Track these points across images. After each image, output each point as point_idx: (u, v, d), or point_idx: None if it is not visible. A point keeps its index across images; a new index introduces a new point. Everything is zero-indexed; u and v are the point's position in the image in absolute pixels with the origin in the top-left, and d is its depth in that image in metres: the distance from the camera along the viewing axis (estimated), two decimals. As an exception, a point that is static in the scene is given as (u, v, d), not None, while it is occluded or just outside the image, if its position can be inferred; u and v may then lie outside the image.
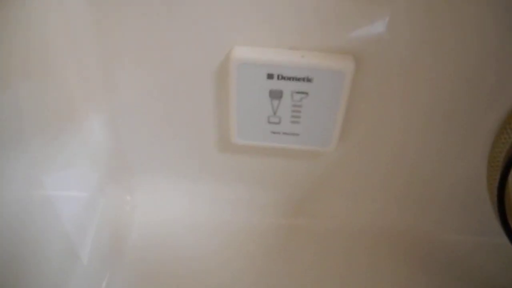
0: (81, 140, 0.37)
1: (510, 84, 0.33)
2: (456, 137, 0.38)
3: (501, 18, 0.29)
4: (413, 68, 0.33)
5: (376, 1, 0.29)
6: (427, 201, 0.44)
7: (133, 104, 0.38)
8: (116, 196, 0.45)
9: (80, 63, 0.34)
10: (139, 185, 0.45)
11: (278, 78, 0.33)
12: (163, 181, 0.45)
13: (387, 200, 0.44)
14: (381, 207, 0.45)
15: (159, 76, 0.36)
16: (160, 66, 0.35)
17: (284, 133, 0.37)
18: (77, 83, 0.35)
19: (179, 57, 0.34)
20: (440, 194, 0.43)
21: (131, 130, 0.40)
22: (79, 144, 0.37)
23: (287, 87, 0.33)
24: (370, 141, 0.39)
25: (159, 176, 0.45)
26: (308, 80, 0.33)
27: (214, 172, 0.43)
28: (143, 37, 0.33)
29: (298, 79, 0.33)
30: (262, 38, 0.32)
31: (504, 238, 0.34)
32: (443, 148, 0.39)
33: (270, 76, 0.33)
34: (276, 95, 0.34)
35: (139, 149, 0.42)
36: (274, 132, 0.37)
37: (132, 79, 0.36)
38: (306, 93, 0.34)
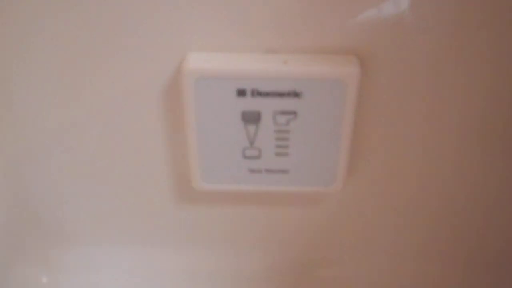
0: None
1: None
2: (504, 160, 0.38)
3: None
4: (440, 70, 0.33)
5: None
6: (474, 256, 0.44)
7: (46, 145, 0.37)
8: (26, 276, 0.43)
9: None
10: (59, 259, 0.44)
11: (252, 94, 0.32)
12: (96, 251, 0.44)
13: (415, 256, 0.44)
14: (414, 265, 0.45)
15: (84, 104, 0.35)
16: (83, 90, 0.35)
17: (268, 171, 0.36)
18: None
19: (110, 76, 0.34)
20: (489, 248, 0.43)
21: (45, 181, 0.40)
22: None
23: (267, 106, 0.33)
24: (389, 174, 0.39)
25: (89, 245, 0.43)
26: (296, 95, 0.32)
27: (170, 233, 0.43)
28: (53, 51, 0.33)
29: (281, 95, 0.32)
30: (226, 39, 0.32)
31: None
32: (491, 176, 0.39)
33: (241, 93, 0.32)
34: (251, 118, 0.33)
35: (59, 208, 0.41)
36: (253, 171, 0.36)
37: (42, 109, 0.35)
38: (294, 113, 0.33)
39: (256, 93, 0.32)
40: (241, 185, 0.37)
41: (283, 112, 0.33)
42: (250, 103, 0.33)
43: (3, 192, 0.40)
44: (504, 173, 0.39)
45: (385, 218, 0.43)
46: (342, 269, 0.46)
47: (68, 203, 0.41)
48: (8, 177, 0.40)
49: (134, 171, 0.39)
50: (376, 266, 0.46)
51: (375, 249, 0.45)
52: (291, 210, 0.42)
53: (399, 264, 0.45)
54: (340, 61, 0.32)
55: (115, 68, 0.34)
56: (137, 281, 0.46)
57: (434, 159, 0.38)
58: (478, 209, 0.42)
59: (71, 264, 0.45)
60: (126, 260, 0.45)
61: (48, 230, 0.43)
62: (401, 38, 0.32)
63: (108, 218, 0.43)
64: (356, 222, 0.43)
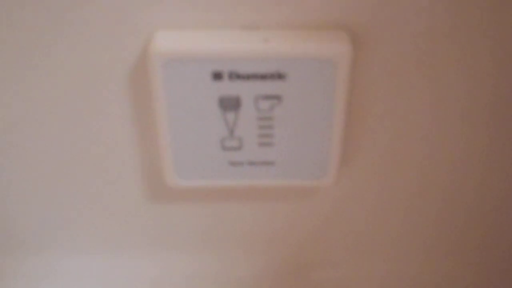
0: None
1: None
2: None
3: None
4: (444, 45, 0.33)
5: None
6: (478, 257, 0.45)
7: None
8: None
9: None
10: (16, 269, 0.44)
11: (230, 77, 0.32)
12: (58, 259, 0.43)
13: (418, 256, 0.45)
14: (415, 266, 0.45)
15: (35, 94, 0.35)
16: (32, 79, 0.34)
17: (250, 163, 0.36)
18: None
19: (64, 60, 0.34)
20: (495, 247, 0.44)
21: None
22: None
23: (247, 90, 0.33)
24: (387, 166, 0.40)
25: (50, 253, 0.43)
26: (279, 77, 0.32)
27: (142, 236, 0.43)
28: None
29: (263, 77, 0.32)
30: (198, 14, 0.32)
31: None
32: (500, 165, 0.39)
33: (217, 76, 0.32)
34: (230, 104, 0.34)
35: (13, 213, 0.41)
36: (233, 163, 0.36)
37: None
38: (278, 98, 0.33)
39: (235, 76, 0.32)
40: (220, 180, 0.37)
41: (266, 97, 0.33)
42: (228, 88, 0.33)
43: None
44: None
45: (383, 215, 0.43)
46: (337, 271, 0.47)
47: (23, 207, 0.41)
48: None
49: (98, 169, 0.39)
50: (374, 268, 0.47)
51: (373, 249, 0.45)
52: (279, 207, 0.42)
53: (399, 265, 0.46)
54: (329, 37, 0.32)
55: (69, 51, 0.33)
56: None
57: (437, 148, 0.39)
58: (483, 205, 0.42)
59: (29, 275, 0.45)
60: (93, 268, 0.46)
61: (1, 237, 0.43)
62: (400, 8, 0.32)
63: (70, 222, 0.43)
64: (351, 219, 0.43)
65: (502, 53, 0.34)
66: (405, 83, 0.35)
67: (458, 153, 0.39)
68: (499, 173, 0.40)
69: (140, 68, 0.34)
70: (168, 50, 0.31)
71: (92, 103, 0.36)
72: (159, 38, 0.32)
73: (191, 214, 0.42)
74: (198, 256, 0.45)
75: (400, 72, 0.35)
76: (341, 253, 0.46)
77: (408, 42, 0.33)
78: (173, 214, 0.42)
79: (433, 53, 0.34)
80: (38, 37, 0.33)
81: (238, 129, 0.35)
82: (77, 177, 0.40)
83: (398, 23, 0.33)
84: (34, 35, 0.33)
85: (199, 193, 0.41)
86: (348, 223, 0.43)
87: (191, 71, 0.32)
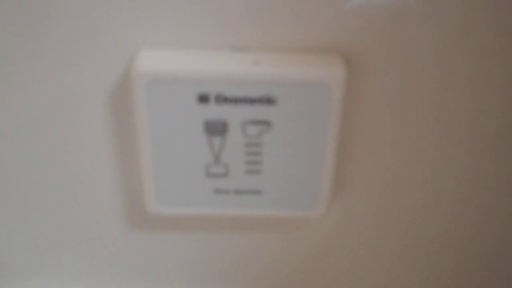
0: None
1: None
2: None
3: None
4: (444, 70, 0.33)
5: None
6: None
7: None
8: None
9: None
10: None
11: (217, 100, 0.32)
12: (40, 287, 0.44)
13: None
14: None
15: (11, 115, 0.35)
16: (7, 98, 0.35)
17: (237, 192, 0.36)
18: None
19: (43, 79, 0.34)
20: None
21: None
22: None
23: (235, 115, 0.33)
24: (382, 196, 0.40)
25: (24, 283, 0.43)
26: (269, 101, 0.32)
27: (122, 266, 0.43)
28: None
29: (251, 101, 0.32)
30: (185, 33, 0.32)
31: None
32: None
33: (203, 99, 0.32)
34: (216, 129, 0.34)
35: None
36: (218, 191, 0.36)
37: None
38: (268, 123, 0.33)
39: (222, 99, 0.32)
40: (205, 208, 0.37)
41: (255, 122, 0.33)
42: (214, 111, 0.33)
43: None
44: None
45: (377, 247, 0.43)
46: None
47: (1, 235, 0.42)
48: None
49: (76, 194, 0.39)
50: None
51: (366, 283, 0.45)
52: (266, 237, 0.42)
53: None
54: (322, 60, 0.32)
55: (48, 70, 0.34)
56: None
57: (436, 177, 0.39)
58: (484, 241, 0.42)
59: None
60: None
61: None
62: (396, 32, 0.32)
63: (46, 250, 0.43)
64: (343, 251, 0.43)
65: (505, 78, 0.34)
66: (401, 108, 0.35)
67: (457, 184, 0.39)
68: (501, 207, 0.40)
69: (123, 88, 0.34)
70: (152, 70, 0.32)
71: (72, 125, 0.36)
72: (143, 57, 0.32)
73: (173, 244, 0.42)
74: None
75: (396, 97, 0.35)
76: (333, 287, 0.45)
77: (404, 68, 0.33)
78: (155, 243, 0.42)
79: (430, 76, 0.34)
80: (15, 55, 0.33)
81: (224, 155, 0.35)
82: (55, 204, 0.40)
83: (393, 46, 0.33)
84: (12, 53, 0.33)
85: (182, 221, 0.41)
86: (340, 255, 0.43)
87: (176, 92, 0.32)
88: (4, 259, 0.43)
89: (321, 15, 0.31)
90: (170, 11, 0.31)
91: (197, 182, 0.36)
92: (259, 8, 0.31)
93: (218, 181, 0.36)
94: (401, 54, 0.33)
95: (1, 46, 0.33)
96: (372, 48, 0.33)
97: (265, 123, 0.33)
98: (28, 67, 0.33)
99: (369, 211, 0.40)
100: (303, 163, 0.35)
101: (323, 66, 0.32)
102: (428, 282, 0.45)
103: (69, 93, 0.34)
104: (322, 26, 0.32)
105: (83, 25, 0.32)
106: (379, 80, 0.34)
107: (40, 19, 0.32)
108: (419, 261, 0.44)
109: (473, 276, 0.45)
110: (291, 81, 0.32)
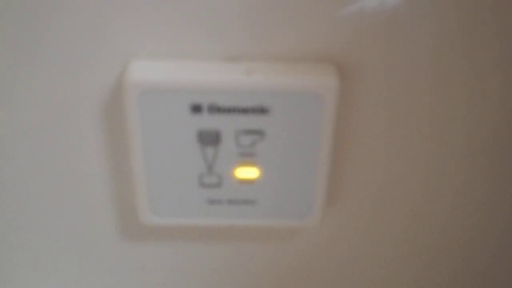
0: None
1: None
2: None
3: None
4: (438, 78, 0.33)
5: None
6: None
7: None
8: None
9: None
10: None
11: (210, 110, 0.32)
12: None
13: None
14: None
15: (4, 125, 0.35)
16: (6, 108, 0.34)
17: (230, 202, 0.36)
18: None
19: (35, 90, 0.34)
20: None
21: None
22: None
23: (228, 124, 0.33)
24: (376, 205, 0.39)
25: None
26: (262, 111, 0.32)
27: (115, 277, 0.43)
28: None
29: (244, 111, 0.32)
30: (177, 43, 0.32)
31: None
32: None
33: (196, 109, 0.32)
34: (209, 139, 0.34)
35: None
36: (212, 201, 0.36)
37: None
38: (261, 133, 0.33)
39: (215, 109, 0.32)
40: (198, 218, 0.37)
41: (248, 132, 0.33)
42: (208, 121, 0.33)
43: None
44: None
45: (370, 257, 0.42)
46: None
47: None
48: None
49: (68, 204, 0.39)
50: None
51: None
52: (260, 247, 0.42)
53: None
54: (315, 70, 0.32)
55: (39, 80, 0.33)
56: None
57: (430, 187, 0.39)
58: (478, 250, 0.42)
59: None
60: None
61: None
62: (389, 40, 0.32)
63: (38, 261, 0.42)
64: (337, 262, 0.43)
65: (502, 84, 0.34)
66: (395, 118, 0.35)
67: (451, 194, 0.39)
68: (496, 212, 0.40)
69: (116, 99, 0.34)
70: (144, 80, 0.31)
71: (64, 135, 0.36)
72: (135, 67, 0.32)
73: (166, 254, 0.42)
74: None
75: (389, 106, 0.35)
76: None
77: (398, 77, 0.33)
78: (148, 253, 0.42)
79: (423, 85, 0.34)
80: (7, 65, 0.33)
81: (218, 165, 0.35)
82: (46, 215, 0.40)
83: (387, 55, 0.33)
84: (5, 64, 0.33)
85: (175, 231, 0.41)
86: (334, 265, 0.43)
87: (169, 102, 0.32)
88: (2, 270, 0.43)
89: (314, 24, 0.31)
90: (163, 22, 0.31)
91: (190, 192, 0.36)
92: (251, 17, 0.31)
93: (211, 191, 0.36)
94: (394, 63, 0.33)
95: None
96: (365, 57, 0.33)
97: (258, 133, 0.33)
98: (21, 77, 0.33)
99: (363, 220, 0.40)
100: (297, 173, 0.35)
101: (316, 75, 0.32)
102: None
103: (61, 103, 0.34)
104: (315, 35, 0.32)
105: (76, 36, 0.32)
106: (373, 89, 0.34)
107: (34, 31, 0.32)
108: (413, 270, 0.44)
109: (467, 284, 0.44)
110: (284, 90, 0.32)
